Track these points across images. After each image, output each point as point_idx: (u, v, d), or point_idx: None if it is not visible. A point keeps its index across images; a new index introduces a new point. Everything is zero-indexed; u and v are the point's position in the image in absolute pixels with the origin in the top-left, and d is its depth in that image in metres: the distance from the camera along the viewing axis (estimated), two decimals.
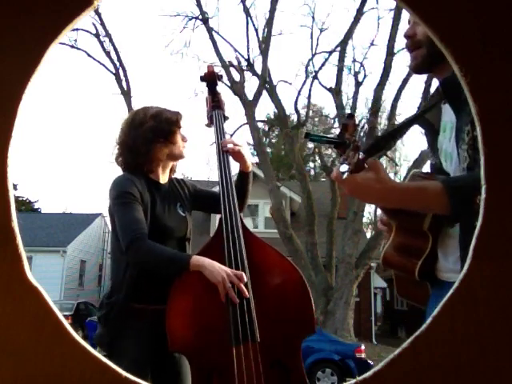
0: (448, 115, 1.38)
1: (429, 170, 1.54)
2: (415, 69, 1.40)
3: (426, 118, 1.45)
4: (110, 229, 1.81)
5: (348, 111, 14.16)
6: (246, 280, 1.53)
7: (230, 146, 1.85)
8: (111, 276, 1.81)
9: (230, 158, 1.87)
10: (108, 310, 1.69)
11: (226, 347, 1.52)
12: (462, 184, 1.15)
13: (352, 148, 1.04)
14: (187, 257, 1.59)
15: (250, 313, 1.53)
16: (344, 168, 1.03)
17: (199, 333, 1.58)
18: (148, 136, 1.77)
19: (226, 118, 2.01)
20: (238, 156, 1.86)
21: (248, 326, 1.51)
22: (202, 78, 2.06)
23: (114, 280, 1.75)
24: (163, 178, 1.87)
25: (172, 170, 1.93)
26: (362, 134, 1.06)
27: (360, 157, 1.06)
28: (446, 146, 1.37)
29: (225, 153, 1.84)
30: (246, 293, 1.52)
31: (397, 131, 1.29)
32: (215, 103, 2.00)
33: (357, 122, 1.07)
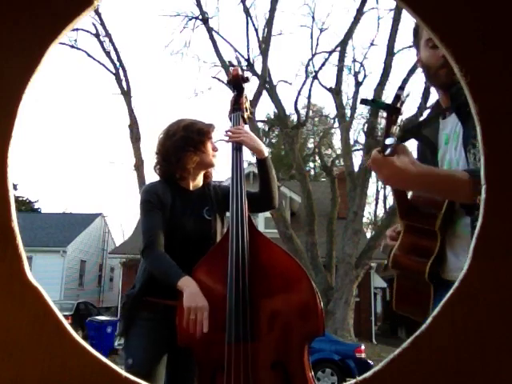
0: (450, 127, 1.41)
1: None
2: (446, 86, 1.42)
3: (426, 135, 1.48)
4: None
5: (348, 111, 14.18)
6: (205, 318, 1.56)
7: (235, 138, 1.90)
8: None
9: (243, 152, 1.92)
10: (124, 303, 1.88)
11: (224, 346, 1.53)
12: None
13: (398, 126, 1.06)
14: (177, 278, 1.65)
15: (246, 314, 1.54)
16: (390, 141, 1.05)
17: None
18: (179, 145, 1.92)
19: (245, 120, 2.05)
20: (246, 144, 1.91)
21: (242, 326, 1.52)
22: (228, 82, 2.12)
23: (137, 275, 1.91)
24: (194, 185, 2.00)
25: (207, 177, 2.06)
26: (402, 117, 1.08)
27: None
28: (451, 155, 1.40)
29: (237, 153, 1.89)
30: (204, 328, 1.55)
31: (427, 121, 1.30)
32: (236, 105, 2.04)
33: (404, 98, 1.09)
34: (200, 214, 1.94)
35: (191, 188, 1.99)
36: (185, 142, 1.92)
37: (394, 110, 1.06)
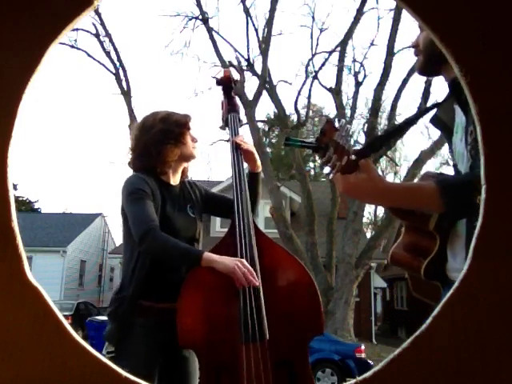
0: (460, 116, 1.39)
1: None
2: (418, 72, 1.46)
3: (441, 118, 1.47)
4: (122, 227, 1.85)
5: (348, 111, 14.19)
6: (255, 275, 1.55)
7: (245, 146, 1.90)
8: (122, 272, 1.85)
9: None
10: (116, 306, 1.75)
11: (235, 345, 1.53)
12: (455, 182, 1.20)
13: (335, 151, 1.10)
14: (199, 252, 1.63)
15: (260, 311, 1.54)
16: (327, 170, 1.11)
17: (209, 330, 1.60)
18: (158, 138, 1.84)
19: (240, 121, 2.05)
20: (249, 155, 1.91)
21: (257, 324, 1.53)
22: (218, 82, 2.11)
23: (123, 276, 1.79)
24: (174, 180, 1.93)
25: (184, 173, 1.99)
26: (348, 136, 1.12)
27: (352, 158, 1.11)
28: (459, 146, 1.38)
29: (239, 153, 1.88)
30: (256, 280, 1.54)
31: (389, 134, 1.32)
32: (231, 106, 2.05)
33: (337, 125, 1.14)
34: (185, 211, 1.88)
35: (172, 183, 1.91)
36: (164, 135, 1.85)
37: (316, 148, 1.14)
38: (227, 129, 2.04)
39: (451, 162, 1.52)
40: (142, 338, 1.71)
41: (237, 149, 1.89)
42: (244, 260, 1.57)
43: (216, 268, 1.56)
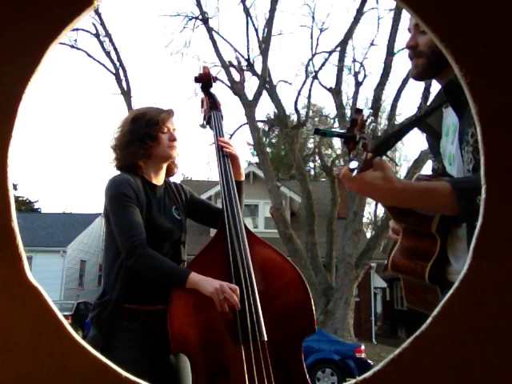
0: (450, 118, 1.37)
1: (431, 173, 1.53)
2: (416, 77, 1.40)
3: (428, 122, 1.44)
4: (105, 228, 1.78)
5: (348, 111, 14.18)
6: (238, 294, 1.53)
7: (230, 149, 1.85)
8: (103, 276, 1.77)
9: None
10: (100, 311, 1.67)
11: (229, 346, 1.53)
12: (470, 185, 1.14)
13: (362, 145, 1.02)
14: (185, 275, 1.58)
15: (258, 313, 1.54)
16: (354, 165, 1.02)
17: (202, 333, 1.58)
18: (124, 139, 1.77)
19: (222, 118, 2.00)
20: (234, 159, 1.86)
21: (256, 325, 1.53)
22: (197, 79, 2.06)
23: (106, 280, 1.72)
24: (157, 180, 1.83)
25: (170, 172, 1.90)
26: (369, 131, 1.05)
27: (367, 156, 1.04)
28: (450, 149, 1.37)
29: (225, 154, 1.85)
30: (238, 305, 1.52)
31: (402, 131, 1.27)
32: (212, 104, 1.99)
33: (365, 118, 1.06)
34: (171, 213, 1.80)
35: (155, 183, 1.81)
36: (130, 136, 1.76)
37: (349, 138, 1.03)
38: (209, 128, 1.98)
39: (434, 166, 1.50)
40: (128, 341, 1.64)
41: (223, 150, 1.84)
42: (225, 283, 1.53)
43: (200, 291, 1.54)
